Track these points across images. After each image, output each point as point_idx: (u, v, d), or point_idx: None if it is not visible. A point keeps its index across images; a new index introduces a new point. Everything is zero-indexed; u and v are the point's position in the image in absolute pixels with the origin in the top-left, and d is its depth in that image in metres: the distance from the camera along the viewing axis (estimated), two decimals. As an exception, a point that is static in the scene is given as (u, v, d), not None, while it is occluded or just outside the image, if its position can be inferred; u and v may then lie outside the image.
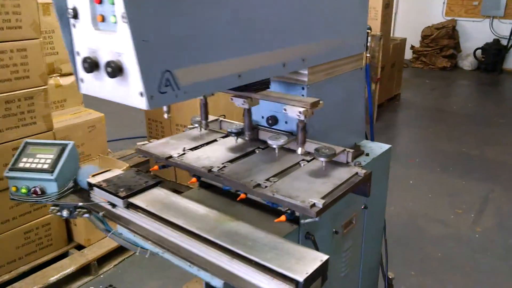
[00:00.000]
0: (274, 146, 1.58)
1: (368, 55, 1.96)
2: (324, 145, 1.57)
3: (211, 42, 1.18)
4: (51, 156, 1.75)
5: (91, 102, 2.73)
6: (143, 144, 1.80)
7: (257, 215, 1.60)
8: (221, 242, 1.29)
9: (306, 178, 1.47)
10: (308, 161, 1.61)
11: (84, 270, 2.88)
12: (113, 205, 1.60)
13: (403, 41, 7.23)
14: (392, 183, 2.25)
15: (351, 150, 1.56)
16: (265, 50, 1.37)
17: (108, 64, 1.06)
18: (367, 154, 2.01)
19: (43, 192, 1.72)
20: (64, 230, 2.98)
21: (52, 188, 1.72)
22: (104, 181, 1.67)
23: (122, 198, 1.55)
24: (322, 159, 1.49)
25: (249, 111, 1.64)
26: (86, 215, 1.73)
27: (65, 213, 1.71)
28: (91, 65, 1.12)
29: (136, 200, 1.55)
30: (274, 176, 1.48)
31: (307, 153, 1.57)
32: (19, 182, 1.72)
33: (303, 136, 1.47)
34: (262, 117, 1.80)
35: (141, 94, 1.05)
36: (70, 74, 3.33)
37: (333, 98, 1.82)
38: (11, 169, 1.72)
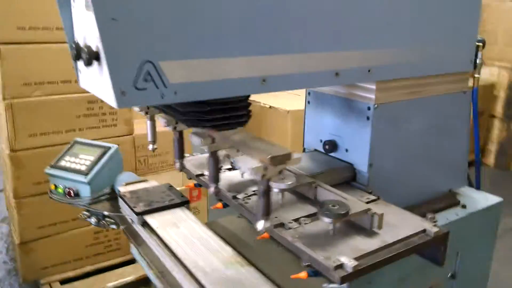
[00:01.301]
0: (276, 190, 1.08)
1: (477, 75, 1.49)
2: (345, 200, 1.09)
3: (222, 29, 0.91)
4: (91, 158, 1.65)
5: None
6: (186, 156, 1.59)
7: (287, 259, 1.26)
8: (214, 291, 1.00)
9: (350, 227, 1.09)
10: (370, 201, 1.23)
11: (145, 281, 2.78)
12: (132, 220, 1.42)
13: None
14: None
15: (380, 214, 1.04)
16: (307, 51, 1.05)
17: (83, 48, 0.87)
18: (464, 206, 1.52)
19: (77, 194, 1.62)
20: (134, 236, 2.94)
21: (85, 192, 1.61)
22: (130, 192, 1.50)
23: (137, 214, 1.35)
24: (326, 219, 1.01)
25: (214, 155, 1.07)
26: (114, 226, 1.58)
27: (93, 220, 1.60)
28: (77, 50, 0.94)
29: (150, 219, 1.35)
30: (307, 216, 1.13)
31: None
32: (58, 181, 1.65)
33: (264, 205, 0.97)
34: (321, 141, 1.46)
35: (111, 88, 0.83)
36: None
37: (415, 127, 1.39)
38: (52, 166, 1.66)
